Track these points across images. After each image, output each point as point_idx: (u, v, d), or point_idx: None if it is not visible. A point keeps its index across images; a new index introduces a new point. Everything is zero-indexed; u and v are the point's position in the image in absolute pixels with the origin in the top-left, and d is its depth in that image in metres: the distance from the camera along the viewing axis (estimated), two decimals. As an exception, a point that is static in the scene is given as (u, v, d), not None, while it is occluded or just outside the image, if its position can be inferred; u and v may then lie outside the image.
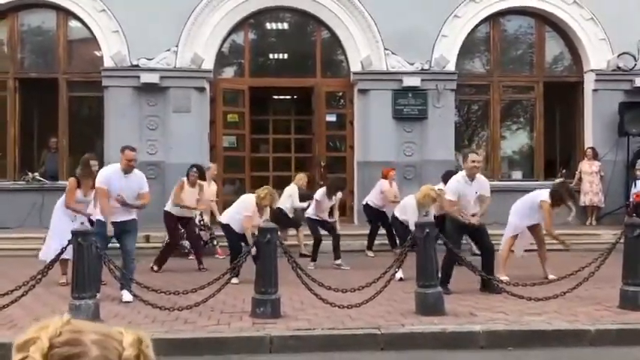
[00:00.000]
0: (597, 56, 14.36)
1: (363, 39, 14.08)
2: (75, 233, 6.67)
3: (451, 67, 14.17)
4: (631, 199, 13.30)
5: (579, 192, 13.92)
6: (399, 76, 14.00)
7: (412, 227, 8.81)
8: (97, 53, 14.11)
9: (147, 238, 11.64)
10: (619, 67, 14.25)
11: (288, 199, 11.44)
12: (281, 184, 11.90)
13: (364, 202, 11.93)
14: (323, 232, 10.63)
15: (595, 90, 14.40)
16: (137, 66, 13.67)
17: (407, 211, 9.41)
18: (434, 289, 6.99)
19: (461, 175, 8.46)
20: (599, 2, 14.23)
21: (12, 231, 12.79)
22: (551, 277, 8.45)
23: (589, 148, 14.18)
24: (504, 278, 8.31)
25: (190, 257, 10.97)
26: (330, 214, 10.80)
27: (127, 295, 7.51)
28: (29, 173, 14.00)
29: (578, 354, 6.06)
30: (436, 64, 14.03)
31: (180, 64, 13.79)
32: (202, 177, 10.60)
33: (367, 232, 11.87)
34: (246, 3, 14.06)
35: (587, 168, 13.98)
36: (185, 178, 10.46)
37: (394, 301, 7.54)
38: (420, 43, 13.96)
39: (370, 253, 11.69)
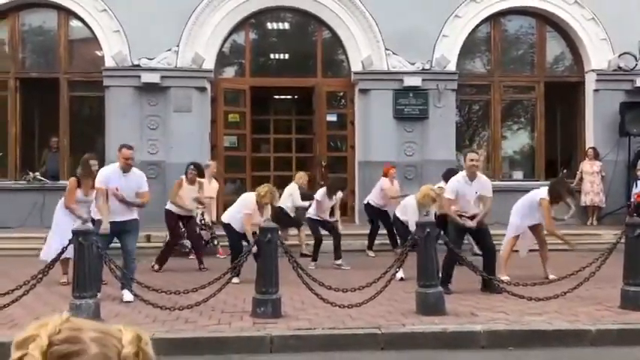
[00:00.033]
0: (598, 56, 14.36)
1: (364, 39, 14.08)
2: (76, 233, 6.67)
3: (452, 67, 14.17)
4: (632, 199, 13.29)
5: (580, 192, 13.93)
6: (399, 76, 13.99)
7: (412, 227, 8.84)
8: (98, 53, 14.11)
9: (148, 238, 11.65)
10: (620, 67, 14.24)
11: (289, 198, 11.45)
12: (282, 184, 11.89)
13: (365, 202, 11.93)
14: (324, 232, 10.63)
15: (596, 90, 14.39)
16: (138, 66, 13.68)
17: (407, 211, 9.42)
18: (435, 288, 6.99)
19: (461, 175, 8.48)
20: (600, 2, 14.23)
21: (13, 230, 12.79)
22: (551, 277, 8.45)
23: (590, 148, 14.17)
24: (505, 278, 8.30)
25: (191, 257, 10.97)
26: (331, 214, 10.80)
27: (127, 295, 7.51)
28: (30, 173, 14.01)
29: (578, 354, 6.06)
30: (437, 64, 14.03)
31: (181, 64, 13.79)
32: (201, 174, 10.59)
33: (368, 232, 11.87)
34: (247, 3, 14.07)
35: (588, 168, 13.98)
36: (184, 176, 10.48)
37: (395, 300, 7.54)
38: (421, 43, 13.96)
39: (371, 253, 11.69)
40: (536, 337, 6.29)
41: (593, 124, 14.48)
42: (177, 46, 13.77)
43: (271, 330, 6.26)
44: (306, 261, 10.06)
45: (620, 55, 14.18)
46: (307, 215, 10.82)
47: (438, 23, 14.05)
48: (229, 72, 15.26)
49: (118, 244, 7.97)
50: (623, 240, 7.32)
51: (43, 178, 13.90)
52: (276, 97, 17.69)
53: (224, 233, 9.94)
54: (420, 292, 6.99)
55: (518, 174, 15.25)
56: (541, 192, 9.06)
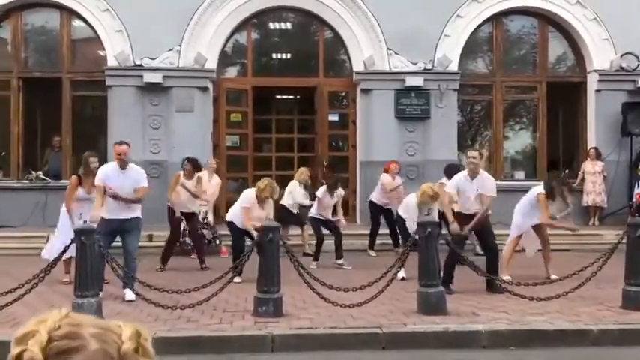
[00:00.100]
0: (600, 56, 14.34)
1: (365, 39, 14.07)
2: (78, 232, 6.69)
3: (454, 66, 14.16)
4: (634, 200, 13.28)
5: (582, 192, 13.92)
6: (401, 76, 13.99)
7: (409, 225, 8.89)
8: (101, 53, 14.13)
9: (150, 237, 11.66)
10: (622, 68, 14.22)
11: (289, 195, 11.46)
12: (284, 184, 11.89)
13: (369, 200, 11.93)
14: (325, 231, 10.63)
15: (598, 90, 14.37)
16: (140, 65, 13.69)
17: (409, 209, 9.43)
18: (436, 288, 7.00)
19: (464, 172, 8.54)
20: (602, 2, 14.21)
21: (15, 230, 12.81)
22: (553, 277, 8.45)
23: (592, 148, 14.16)
24: (507, 278, 8.31)
25: (193, 256, 10.96)
26: (334, 213, 10.81)
27: (129, 294, 7.53)
28: (33, 172, 14.02)
29: (580, 354, 6.06)
30: (439, 63, 14.03)
31: (184, 64, 13.80)
32: (196, 168, 10.57)
33: (368, 231, 11.87)
34: (249, 3, 14.07)
35: (590, 168, 13.96)
36: (181, 172, 10.52)
37: (396, 300, 7.54)
38: (423, 42, 13.95)
39: (372, 253, 11.69)
40: (538, 336, 6.29)
41: (595, 124, 14.46)
42: (180, 45, 13.78)
43: (273, 329, 6.28)
44: (308, 260, 10.06)
45: (622, 56, 14.17)
46: (309, 214, 10.82)
47: (440, 23, 14.05)
48: (231, 72, 15.27)
49: (120, 243, 7.99)
50: (624, 240, 7.32)
51: (45, 178, 13.91)
52: (278, 96, 17.68)
53: (227, 232, 9.96)
54: (422, 292, 7.00)
55: (520, 174, 15.24)
56: (538, 188, 9.17)
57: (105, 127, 13.80)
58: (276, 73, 15.44)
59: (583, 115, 14.83)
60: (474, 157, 8.42)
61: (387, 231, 11.48)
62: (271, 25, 15.28)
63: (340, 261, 10.43)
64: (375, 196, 11.72)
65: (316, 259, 10.43)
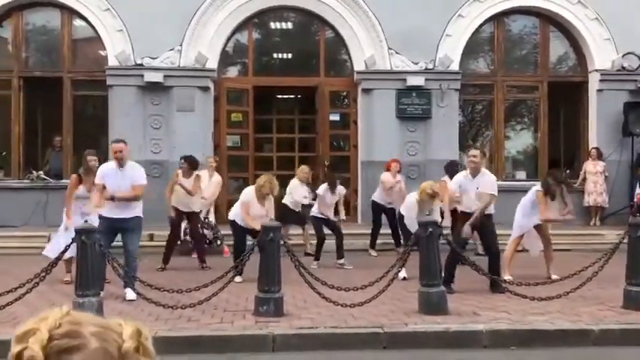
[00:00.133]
0: (602, 56, 14.33)
1: (367, 38, 14.07)
2: (78, 231, 6.69)
3: (455, 66, 14.16)
4: (635, 200, 13.27)
5: (583, 192, 13.91)
6: (402, 76, 13.98)
7: (408, 223, 8.99)
8: (102, 52, 14.13)
9: (151, 237, 11.66)
10: (623, 67, 14.21)
11: (290, 194, 11.45)
12: (285, 184, 11.89)
13: (371, 199, 11.93)
14: (327, 231, 10.62)
15: (599, 90, 14.36)
16: (141, 65, 13.69)
17: (409, 207, 9.45)
18: (437, 288, 6.99)
19: (465, 171, 8.58)
20: (603, 2, 14.20)
21: (16, 229, 12.81)
22: (554, 277, 8.44)
23: (593, 148, 14.14)
24: (508, 278, 8.31)
25: (193, 256, 10.94)
26: (336, 212, 10.81)
27: (130, 294, 7.52)
28: (33, 172, 14.03)
29: (581, 354, 6.05)
30: (440, 63, 14.02)
31: (185, 64, 13.80)
32: (193, 166, 10.54)
33: (370, 231, 11.86)
34: (250, 2, 14.07)
35: (592, 168, 13.95)
36: (180, 171, 10.52)
37: (397, 300, 7.54)
38: (424, 42, 13.94)
39: (373, 252, 11.68)
40: (539, 336, 6.28)
41: (596, 124, 14.46)
42: (181, 45, 13.78)
43: (273, 329, 6.27)
44: (309, 260, 10.06)
45: (623, 55, 14.16)
46: (311, 213, 10.82)
47: (442, 23, 14.04)
48: (232, 71, 15.26)
49: (121, 243, 7.98)
50: (626, 240, 7.31)
51: (46, 177, 13.92)
52: (279, 96, 17.67)
53: (229, 232, 9.95)
54: (423, 292, 6.99)
55: (521, 174, 15.22)
56: (537, 186, 9.24)
57: (106, 126, 13.80)
58: (277, 73, 15.44)
59: (584, 114, 14.82)
60: (474, 156, 8.44)
61: (389, 231, 11.47)
62: (272, 25, 15.28)
63: (341, 261, 10.42)
64: (377, 195, 11.72)
65: (317, 259, 10.42)
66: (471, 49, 14.72)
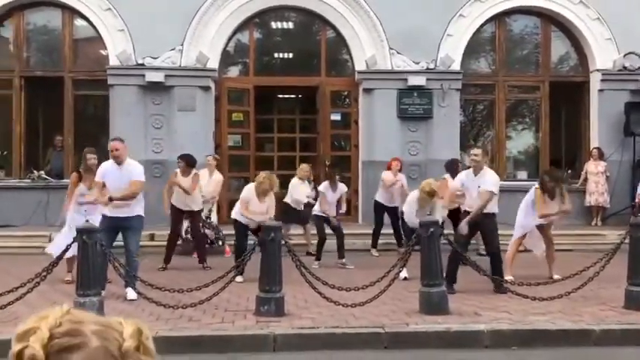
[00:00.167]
0: (603, 56, 14.32)
1: (368, 38, 14.06)
2: (80, 231, 6.69)
3: (456, 66, 14.15)
4: (636, 200, 13.23)
5: (585, 192, 13.91)
6: (404, 76, 13.97)
7: (408, 218, 9.11)
8: (103, 52, 14.13)
9: (152, 237, 11.67)
10: (625, 67, 14.20)
11: (290, 192, 11.45)
12: (286, 183, 11.89)
13: (374, 199, 11.92)
14: (328, 231, 10.62)
15: (601, 90, 14.35)
16: (142, 65, 13.69)
17: (409, 203, 9.49)
18: (438, 288, 6.99)
19: (469, 169, 8.66)
20: (605, 2, 14.18)
21: (17, 229, 12.81)
22: (555, 277, 8.44)
23: (595, 148, 14.13)
24: (509, 278, 8.31)
25: (194, 255, 10.91)
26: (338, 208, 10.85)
27: (131, 293, 7.53)
28: (34, 171, 14.03)
29: (582, 354, 6.05)
30: (441, 63, 14.01)
31: (186, 63, 13.80)
32: (190, 165, 10.52)
33: (371, 231, 11.85)
34: (251, 2, 14.06)
35: (593, 168, 13.94)
36: (178, 170, 10.54)
37: (398, 300, 7.53)
38: (425, 42, 13.94)
39: (374, 252, 11.68)
40: (540, 336, 6.28)
41: (597, 124, 14.44)
42: (182, 45, 13.78)
43: (274, 328, 6.27)
44: (310, 260, 10.06)
45: (625, 55, 14.15)
46: (313, 212, 10.83)
47: (443, 23, 14.03)
48: (233, 71, 15.26)
49: (122, 243, 7.99)
50: (627, 240, 7.30)
51: (47, 177, 13.92)
52: (280, 96, 17.68)
53: (231, 232, 9.94)
54: (424, 292, 6.99)
55: (522, 174, 15.21)
56: (536, 184, 9.28)
57: (107, 126, 13.80)
58: (278, 73, 15.44)
59: (586, 114, 14.81)
60: (475, 155, 8.47)
61: (390, 231, 11.46)
62: (273, 25, 15.28)
63: (343, 260, 10.42)
64: (379, 195, 11.71)
65: (318, 258, 10.42)
66: (472, 49, 14.72)
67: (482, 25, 14.50)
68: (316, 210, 10.71)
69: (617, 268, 7.44)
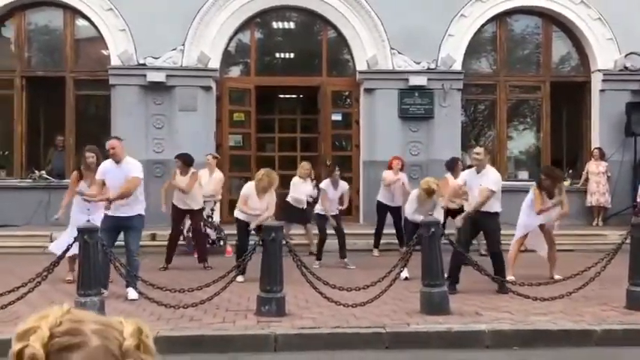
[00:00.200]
0: (604, 56, 14.31)
1: (369, 38, 14.06)
2: (81, 230, 6.69)
3: (457, 66, 14.14)
4: (638, 200, 13.23)
5: (586, 192, 13.90)
6: (405, 76, 13.97)
7: (408, 213, 9.29)
8: (104, 52, 14.13)
9: (153, 237, 11.67)
10: (626, 67, 14.19)
11: (293, 190, 11.44)
12: (287, 183, 11.89)
13: (377, 199, 11.91)
14: (329, 231, 10.61)
15: (602, 90, 14.34)
16: (144, 65, 13.70)
17: (410, 200, 9.54)
18: (439, 288, 6.98)
19: (473, 168, 8.73)
20: (606, 2, 14.17)
21: (18, 228, 12.83)
22: (557, 277, 8.43)
23: (596, 148, 14.13)
24: (510, 278, 8.31)
25: (195, 255, 10.89)
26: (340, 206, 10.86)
27: (132, 293, 7.53)
28: (36, 171, 14.04)
29: (583, 354, 6.04)
30: (442, 63, 14.00)
31: (187, 63, 13.80)
32: (188, 164, 10.50)
33: (373, 231, 11.85)
34: (253, 2, 14.07)
35: (594, 168, 13.93)
36: (177, 170, 10.53)
37: (399, 300, 7.53)
38: (427, 42, 13.93)
39: (375, 252, 11.67)
40: (541, 337, 6.27)
41: (599, 124, 14.43)
42: (183, 45, 13.79)
43: (275, 328, 6.27)
44: (312, 259, 10.05)
45: (626, 55, 14.14)
46: (315, 211, 10.83)
47: (444, 22, 14.03)
48: (235, 71, 15.27)
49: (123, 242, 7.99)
50: (628, 240, 7.30)
51: (48, 177, 13.94)
52: (281, 96, 17.68)
53: (233, 232, 9.93)
54: (425, 292, 6.99)
55: (523, 174, 15.19)
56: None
57: (108, 126, 13.80)
58: (279, 73, 15.43)
59: (587, 115, 14.80)
60: (477, 153, 8.49)
61: (391, 231, 11.46)
62: (274, 25, 15.28)
63: (345, 260, 10.42)
64: (381, 195, 11.72)
65: (319, 258, 10.42)
66: (474, 49, 14.71)
67: (483, 25, 14.49)
68: (318, 208, 10.72)
69: (618, 269, 7.44)
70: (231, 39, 14.43)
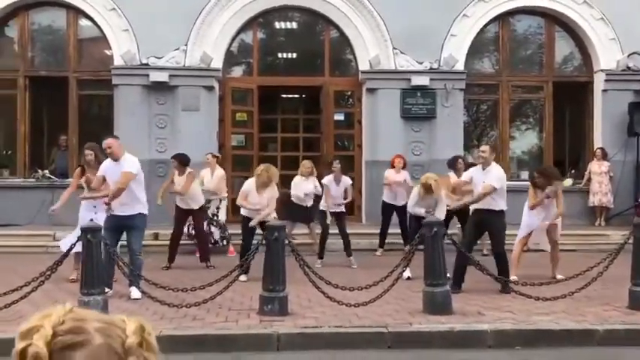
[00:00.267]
0: (607, 56, 14.29)
1: (371, 38, 14.06)
2: (84, 230, 6.71)
3: (460, 66, 14.14)
4: (640, 200, 13.25)
5: (588, 192, 13.89)
6: (407, 75, 13.97)
7: (409, 210, 9.54)
8: (107, 52, 14.16)
9: (156, 236, 11.68)
10: (629, 67, 14.18)
11: (293, 188, 11.45)
12: (289, 183, 11.89)
13: (382, 200, 11.91)
14: (332, 230, 10.61)
15: (605, 90, 14.33)
16: (147, 64, 13.72)
17: (412, 196, 9.58)
18: (442, 287, 6.98)
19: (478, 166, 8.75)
20: (609, 2, 14.16)
21: (22, 228, 12.85)
22: (559, 277, 8.44)
23: (598, 148, 14.11)
24: (513, 278, 8.30)
25: (197, 254, 10.88)
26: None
27: (135, 292, 7.54)
28: (39, 171, 14.08)
29: (585, 354, 6.04)
30: (445, 63, 14.00)
31: (190, 63, 13.82)
32: (184, 164, 10.49)
33: (373, 231, 11.85)
34: (255, 2, 14.08)
35: (597, 168, 13.92)
36: (176, 171, 10.57)
37: (402, 299, 7.53)
38: (429, 42, 13.93)
39: (378, 252, 11.66)
40: (544, 336, 6.27)
41: (601, 124, 14.41)
42: (186, 45, 13.80)
43: (278, 328, 6.28)
44: (314, 259, 10.05)
45: (629, 55, 14.13)
46: (320, 207, 10.84)
47: (447, 22, 14.03)
48: (237, 71, 15.28)
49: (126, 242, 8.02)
50: (631, 240, 7.29)
51: (51, 176, 13.97)
52: (284, 96, 17.68)
53: (237, 232, 9.92)
54: (427, 291, 6.99)
55: (526, 174, 15.13)
56: None
57: (111, 126, 13.81)
58: (281, 73, 15.44)
59: (589, 115, 14.79)
60: (483, 151, 8.48)
61: (394, 230, 11.46)
62: (277, 25, 15.29)
63: (350, 258, 10.43)
64: (385, 194, 11.71)
65: (321, 257, 10.42)
66: (476, 49, 14.71)
67: (485, 25, 14.48)
68: (323, 205, 10.75)
69: (620, 269, 7.43)
70: (233, 39, 14.45)
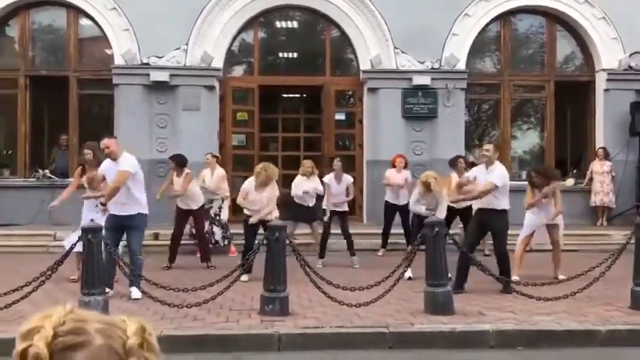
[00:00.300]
0: (609, 56, 14.28)
1: (372, 37, 14.05)
2: (85, 230, 6.70)
3: (461, 65, 14.13)
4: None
5: (590, 192, 13.88)
6: (408, 75, 13.96)
7: (410, 208, 9.68)
8: (108, 51, 14.15)
9: (156, 236, 11.67)
10: (630, 67, 14.16)
11: (294, 188, 11.45)
12: (290, 183, 11.88)
13: (384, 200, 11.90)
14: (334, 230, 10.60)
15: (606, 90, 14.31)
16: (147, 64, 13.71)
17: (413, 194, 9.60)
18: (443, 288, 6.97)
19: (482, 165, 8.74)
20: (610, 1, 14.15)
21: (22, 227, 12.85)
22: (561, 277, 8.42)
23: (600, 148, 14.10)
24: (515, 278, 8.29)
25: (198, 254, 10.87)
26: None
27: (136, 292, 7.52)
28: (39, 170, 14.07)
29: (587, 354, 6.03)
30: (446, 62, 13.99)
31: (190, 63, 13.81)
32: (181, 164, 10.47)
33: (374, 231, 11.84)
34: (256, 1, 14.07)
35: (599, 168, 13.91)
36: (174, 172, 10.57)
37: (403, 300, 7.52)
38: (430, 41, 13.92)
39: (379, 252, 11.65)
40: (545, 337, 6.26)
41: (603, 123, 14.40)
42: (187, 44, 13.79)
43: (279, 328, 6.26)
44: (314, 259, 10.04)
45: (630, 55, 14.11)
46: (324, 207, 10.83)
47: (448, 22, 14.01)
48: (238, 70, 15.27)
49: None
50: (632, 240, 7.28)
51: (52, 176, 13.96)
52: (285, 95, 17.68)
53: (239, 232, 9.91)
54: (429, 292, 6.97)
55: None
56: None
57: (112, 125, 13.81)
58: (282, 72, 15.43)
59: (591, 114, 14.78)
60: (487, 150, 8.47)
61: (396, 230, 11.45)
62: (278, 24, 15.28)
63: (353, 258, 10.42)
64: (387, 194, 11.69)
65: (321, 256, 10.41)
66: (478, 49, 14.69)
67: (487, 25, 14.47)
68: (325, 204, 10.75)
69: (622, 269, 7.42)
70: (234, 38, 14.44)
